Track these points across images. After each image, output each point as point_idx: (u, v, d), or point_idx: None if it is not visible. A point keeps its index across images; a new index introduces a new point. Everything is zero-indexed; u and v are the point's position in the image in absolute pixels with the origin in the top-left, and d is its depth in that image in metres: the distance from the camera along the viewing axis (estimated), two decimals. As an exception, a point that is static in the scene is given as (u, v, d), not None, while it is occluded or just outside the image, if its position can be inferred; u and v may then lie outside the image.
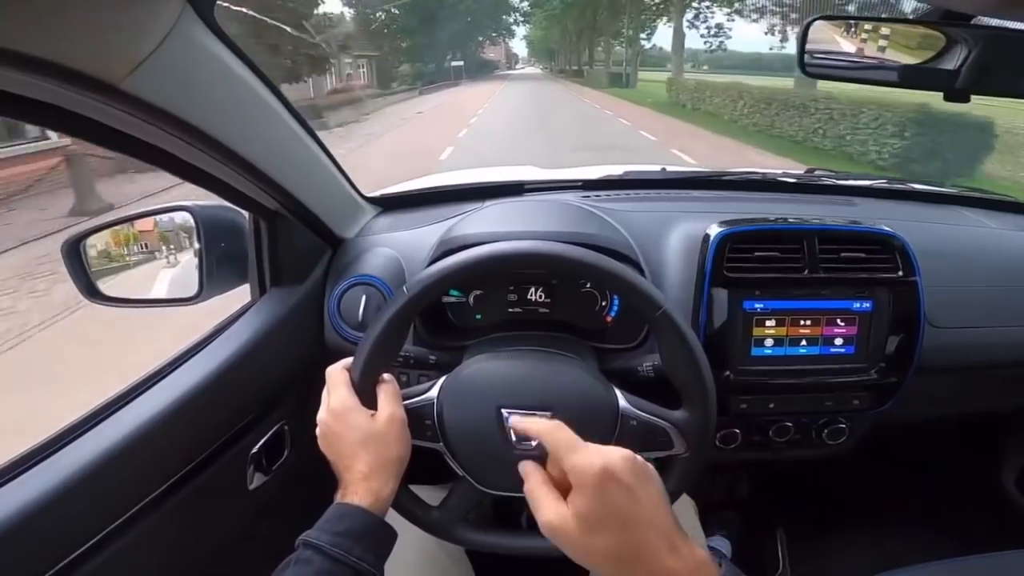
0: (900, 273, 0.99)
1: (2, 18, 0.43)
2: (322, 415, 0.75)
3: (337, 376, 0.76)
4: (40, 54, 0.47)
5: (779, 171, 1.42)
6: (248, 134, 0.77)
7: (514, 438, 0.76)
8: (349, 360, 0.77)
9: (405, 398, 0.78)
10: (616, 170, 1.39)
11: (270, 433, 0.98)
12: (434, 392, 0.79)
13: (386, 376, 0.77)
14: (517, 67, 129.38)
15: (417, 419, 0.78)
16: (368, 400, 0.74)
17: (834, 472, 1.52)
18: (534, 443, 0.76)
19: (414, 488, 0.82)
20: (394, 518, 0.72)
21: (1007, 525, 1.44)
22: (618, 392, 0.79)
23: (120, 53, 0.54)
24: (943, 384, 1.13)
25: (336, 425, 0.73)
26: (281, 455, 1.01)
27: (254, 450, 0.94)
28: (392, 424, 0.73)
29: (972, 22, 0.71)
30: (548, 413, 0.76)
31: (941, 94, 0.77)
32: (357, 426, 0.72)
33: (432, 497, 0.85)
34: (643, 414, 0.78)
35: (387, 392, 0.75)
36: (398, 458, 0.73)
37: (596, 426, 0.77)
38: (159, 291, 1.01)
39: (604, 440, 0.75)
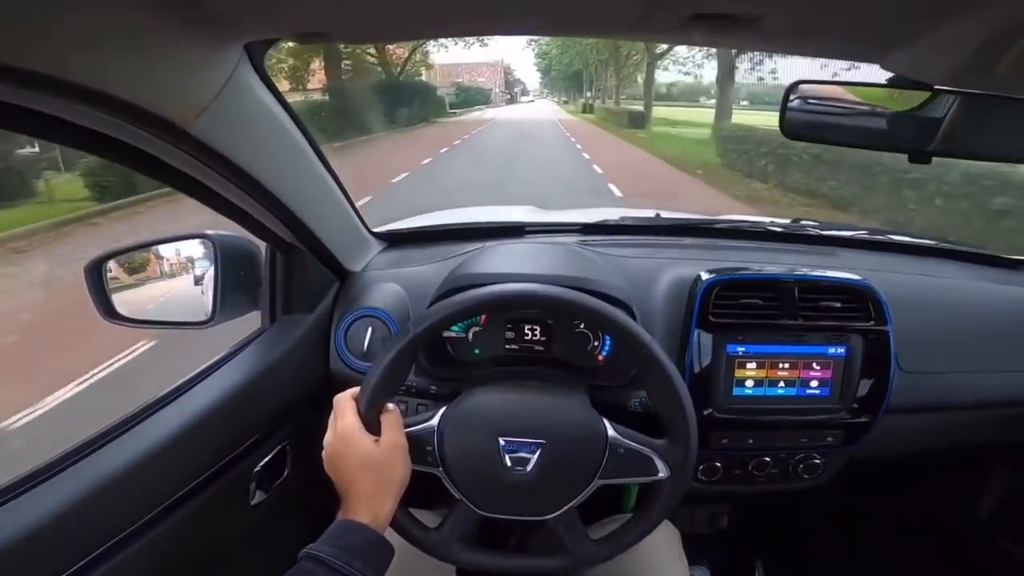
0: (872, 322, 1.06)
1: (90, 60, 0.49)
2: (329, 439, 0.80)
3: (345, 403, 0.81)
4: (121, 95, 0.54)
5: (767, 220, 1.49)
6: (282, 173, 0.84)
7: (509, 463, 0.82)
8: (356, 389, 0.82)
9: (407, 426, 0.83)
10: (612, 215, 1.46)
11: (273, 452, 1.02)
12: (435, 421, 0.85)
13: (390, 405, 0.82)
14: (522, 99, 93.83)
15: (418, 445, 0.83)
16: (372, 426, 0.79)
17: (811, 505, 1.57)
18: (528, 468, 0.81)
19: (412, 511, 0.87)
20: (387, 537, 0.76)
21: (980, 560, 1.48)
22: (606, 423, 0.85)
23: (189, 97, 0.61)
24: (912, 424, 1.19)
25: (342, 449, 0.77)
26: (281, 474, 1.05)
27: (257, 468, 0.98)
28: (394, 450, 0.78)
29: (936, 88, 0.77)
30: (543, 441, 0.82)
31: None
32: (361, 450, 0.77)
33: (427, 520, 0.89)
34: (629, 443, 0.83)
35: (390, 420, 0.81)
36: (398, 481, 0.79)
37: (586, 453, 0.83)
38: (174, 314, 1.06)
39: (594, 466, 0.82)
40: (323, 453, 0.80)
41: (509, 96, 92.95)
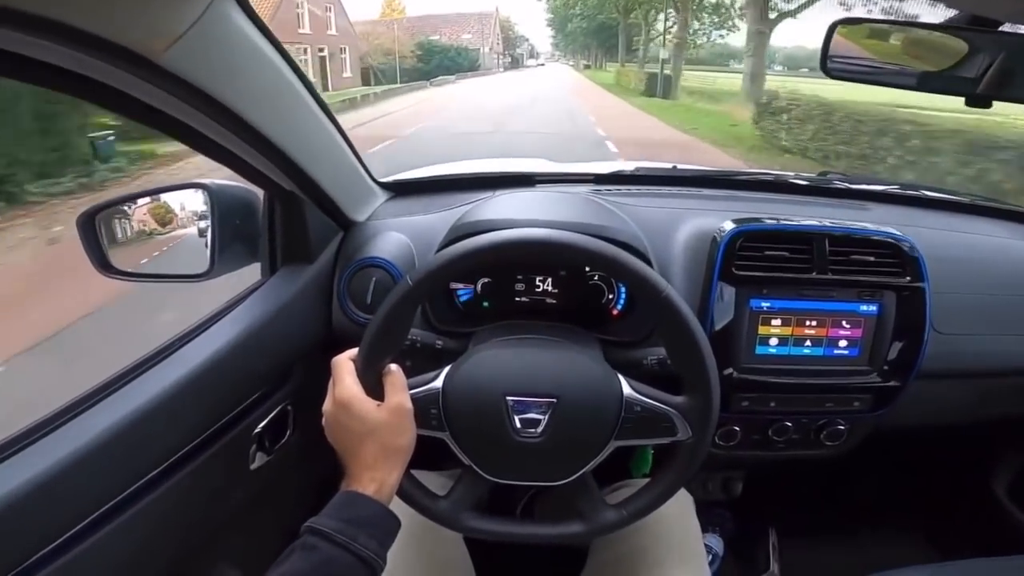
0: (908, 279, 1.00)
1: None
2: (328, 406, 0.76)
3: (343, 366, 0.76)
4: (85, 27, 0.48)
5: (791, 173, 1.43)
6: (272, 114, 0.78)
7: (519, 425, 0.77)
8: (355, 351, 0.78)
9: (411, 387, 0.78)
10: (628, 166, 1.40)
11: (274, 413, 0.99)
12: (439, 382, 0.80)
13: (392, 367, 0.78)
14: (529, 63, 74.06)
15: (423, 409, 0.78)
16: (374, 390, 0.75)
17: (827, 474, 1.54)
18: (538, 430, 0.77)
19: (416, 474, 0.83)
20: (394, 506, 0.72)
21: (996, 532, 1.46)
22: (622, 379, 0.80)
23: (159, 28, 0.56)
24: (944, 390, 1.14)
25: (342, 415, 0.73)
26: (283, 436, 1.02)
27: (257, 429, 0.95)
28: (398, 414, 0.74)
29: (1000, 29, 0.71)
30: (552, 399, 0.77)
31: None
32: (362, 416, 0.72)
33: (434, 484, 0.86)
34: (647, 400, 0.79)
35: (393, 382, 0.76)
36: (403, 447, 0.74)
37: (600, 411, 0.78)
38: (172, 267, 1.02)
39: (610, 427, 0.77)
40: (323, 421, 0.76)
41: (510, 59, 68.28)
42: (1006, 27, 0.70)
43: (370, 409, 0.73)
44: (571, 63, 69.06)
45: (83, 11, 0.48)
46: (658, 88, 20.45)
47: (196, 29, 0.59)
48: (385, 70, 30.48)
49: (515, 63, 69.49)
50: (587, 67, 57.84)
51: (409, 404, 0.76)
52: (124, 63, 0.55)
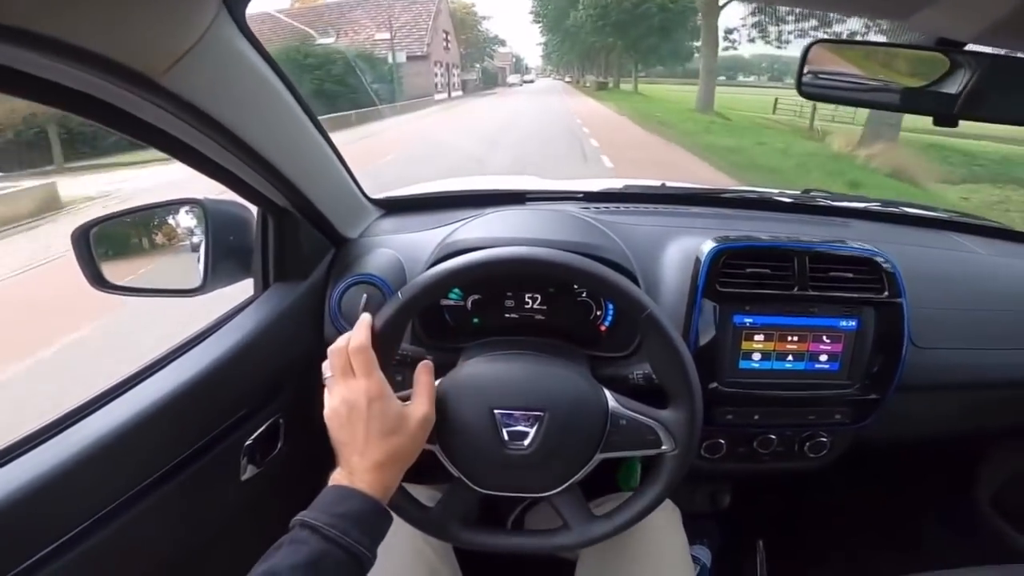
0: (886, 294, 1.02)
1: (57, 10, 0.46)
2: (347, 394, 0.71)
3: (365, 355, 0.72)
4: (90, 46, 0.50)
5: (776, 191, 1.45)
6: (267, 132, 0.80)
7: (507, 438, 0.79)
8: (365, 336, 0.74)
9: (400, 400, 0.79)
10: (617, 183, 1.42)
11: (265, 426, 0.99)
12: None
13: (427, 363, 0.79)
14: (510, 80, 55.42)
15: None
16: (385, 359, 0.75)
17: (815, 486, 1.55)
18: (526, 442, 0.78)
19: (405, 486, 0.84)
20: None
21: (981, 542, 1.47)
22: (607, 393, 0.82)
23: (161, 48, 0.57)
24: (923, 403, 1.16)
25: (365, 408, 0.70)
26: (274, 448, 1.03)
27: (248, 442, 0.96)
28: (424, 426, 0.75)
29: (966, 48, 0.74)
30: (540, 413, 0.79)
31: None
32: (388, 415, 0.71)
33: (423, 497, 0.87)
34: (632, 413, 0.80)
35: (425, 388, 0.77)
36: (413, 456, 0.75)
37: (587, 425, 0.80)
38: (165, 282, 1.03)
39: (595, 439, 0.79)
40: (331, 407, 0.72)
41: (479, 76, 45.93)
42: (972, 47, 0.72)
43: (396, 411, 0.72)
44: (567, 79, 51.02)
45: (88, 31, 0.50)
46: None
47: (197, 49, 0.61)
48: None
49: (488, 81, 47.18)
50: (602, 87, 36.98)
51: (434, 417, 0.76)
52: (126, 83, 0.56)
